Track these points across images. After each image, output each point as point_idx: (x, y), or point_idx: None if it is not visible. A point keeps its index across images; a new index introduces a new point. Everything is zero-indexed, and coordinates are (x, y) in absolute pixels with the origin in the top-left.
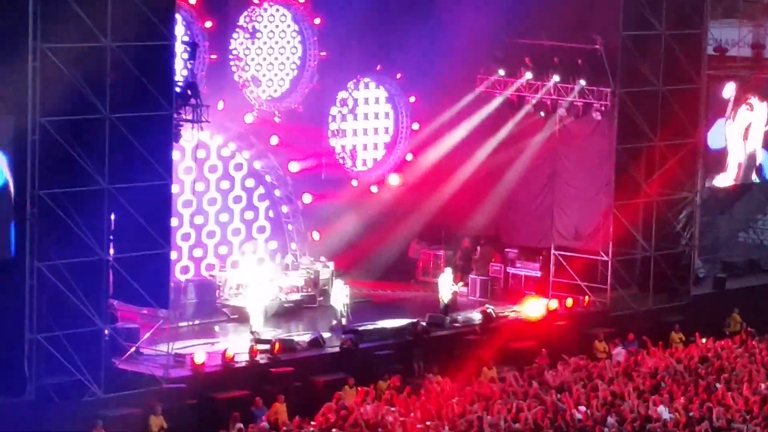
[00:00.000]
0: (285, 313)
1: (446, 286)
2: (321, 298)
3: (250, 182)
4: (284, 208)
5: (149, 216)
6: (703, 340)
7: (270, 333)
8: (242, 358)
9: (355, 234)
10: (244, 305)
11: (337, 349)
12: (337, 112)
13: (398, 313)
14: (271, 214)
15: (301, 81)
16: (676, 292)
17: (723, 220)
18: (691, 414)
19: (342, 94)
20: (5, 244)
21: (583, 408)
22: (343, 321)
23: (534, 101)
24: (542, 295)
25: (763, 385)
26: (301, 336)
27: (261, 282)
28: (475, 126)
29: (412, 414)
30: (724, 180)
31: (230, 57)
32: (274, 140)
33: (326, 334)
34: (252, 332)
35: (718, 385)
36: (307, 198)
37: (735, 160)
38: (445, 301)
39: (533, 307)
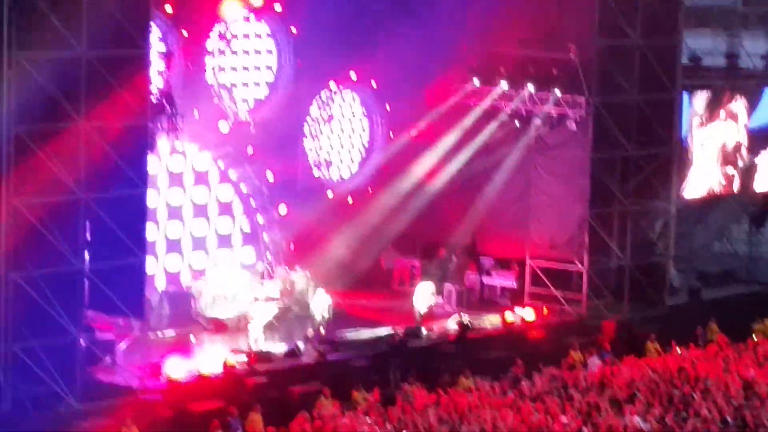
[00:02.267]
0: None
1: (422, 296)
2: (296, 308)
3: (225, 191)
4: (260, 218)
5: (125, 225)
6: (679, 350)
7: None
8: (217, 370)
9: (330, 244)
10: (241, 318)
11: (312, 360)
12: (313, 122)
13: (374, 323)
14: (246, 223)
15: (277, 90)
16: (651, 302)
17: (698, 230)
18: (667, 424)
19: (317, 104)
20: None
21: (564, 419)
22: (321, 330)
23: (509, 111)
24: (517, 305)
25: (738, 396)
26: (277, 346)
27: (263, 298)
28: (450, 135)
29: (388, 425)
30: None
31: (206, 66)
32: (249, 150)
33: (302, 344)
34: (251, 348)
35: (694, 395)
36: (282, 209)
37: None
38: (421, 312)
39: (510, 319)
